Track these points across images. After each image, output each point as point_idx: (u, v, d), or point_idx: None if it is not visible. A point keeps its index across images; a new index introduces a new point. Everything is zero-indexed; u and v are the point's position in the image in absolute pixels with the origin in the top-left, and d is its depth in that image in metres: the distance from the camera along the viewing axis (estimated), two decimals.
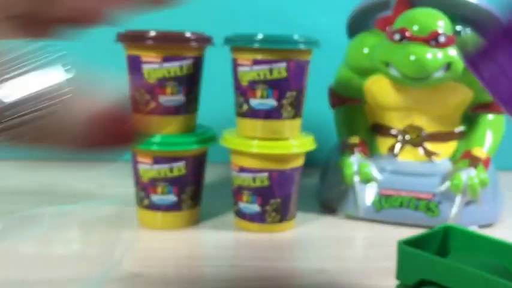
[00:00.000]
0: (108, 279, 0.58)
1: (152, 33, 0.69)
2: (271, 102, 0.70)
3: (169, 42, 0.70)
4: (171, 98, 0.70)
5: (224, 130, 0.76)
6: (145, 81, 0.70)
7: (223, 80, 0.79)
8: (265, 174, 0.72)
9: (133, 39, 0.70)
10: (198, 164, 0.73)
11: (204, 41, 0.72)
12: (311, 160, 0.81)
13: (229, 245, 0.70)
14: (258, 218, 0.73)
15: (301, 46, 0.70)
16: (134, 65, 0.70)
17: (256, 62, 0.69)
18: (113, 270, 0.60)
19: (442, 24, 0.73)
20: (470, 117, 0.83)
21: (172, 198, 0.72)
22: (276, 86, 0.70)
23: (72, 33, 0.34)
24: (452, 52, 0.73)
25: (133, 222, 0.75)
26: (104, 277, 0.57)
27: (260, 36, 0.69)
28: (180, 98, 0.71)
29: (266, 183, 0.72)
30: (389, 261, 0.64)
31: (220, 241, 0.71)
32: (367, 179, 0.79)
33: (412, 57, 0.72)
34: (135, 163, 0.73)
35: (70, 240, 0.69)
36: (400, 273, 0.50)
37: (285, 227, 0.75)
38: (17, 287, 0.57)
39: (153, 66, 0.69)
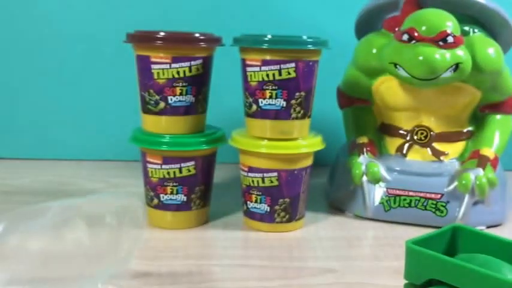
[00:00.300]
0: (118, 278, 0.58)
1: (161, 34, 0.69)
2: (280, 103, 0.71)
3: (179, 43, 0.70)
4: (180, 98, 0.71)
5: (233, 130, 0.76)
6: (155, 82, 0.70)
7: (233, 80, 0.79)
8: (274, 174, 0.72)
9: (143, 39, 0.71)
10: (207, 164, 0.74)
11: (213, 41, 0.73)
12: (320, 160, 0.81)
13: (238, 245, 0.71)
14: (267, 218, 0.74)
15: (310, 46, 0.70)
16: (144, 65, 0.71)
17: (265, 63, 0.70)
18: (122, 268, 0.60)
19: (450, 25, 0.73)
20: (478, 118, 0.83)
21: (181, 198, 0.73)
22: (285, 86, 0.70)
23: None
24: (461, 52, 0.73)
25: (143, 222, 0.75)
26: (112, 275, 0.57)
27: (269, 36, 0.69)
28: (189, 98, 0.71)
29: (275, 183, 0.72)
30: (397, 260, 0.65)
31: (229, 241, 0.72)
32: (375, 179, 0.79)
33: (421, 58, 0.72)
34: (145, 163, 0.73)
35: (79, 238, 0.70)
36: (408, 272, 0.50)
37: (294, 226, 0.75)
38: (26, 283, 0.57)
39: (163, 66, 0.70)
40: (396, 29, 0.77)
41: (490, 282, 0.44)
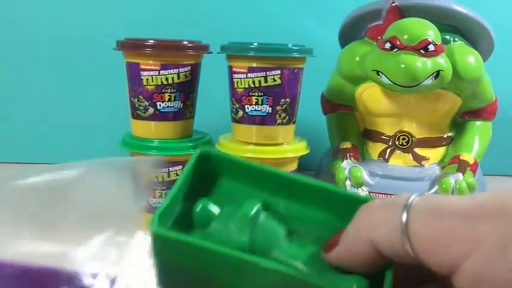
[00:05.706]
0: None
1: (151, 42, 0.71)
2: (266, 109, 0.72)
3: (168, 50, 0.72)
4: (168, 104, 0.72)
5: (220, 135, 0.78)
6: (144, 88, 0.72)
7: (220, 87, 0.81)
8: None
9: (133, 47, 0.72)
10: None
11: (200, 49, 0.74)
12: (304, 164, 0.83)
13: None
14: None
15: (295, 54, 0.72)
16: (133, 72, 0.72)
17: (251, 70, 0.71)
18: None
19: (431, 33, 0.74)
20: (459, 124, 0.84)
21: None
22: (271, 93, 0.72)
23: None
24: (441, 60, 0.74)
25: (132, 225, 0.77)
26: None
27: (255, 44, 0.71)
28: (177, 104, 0.73)
29: None
30: None
31: None
32: (358, 183, 0.80)
33: (402, 66, 0.73)
34: None
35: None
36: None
37: None
38: None
39: (152, 73, 0.71)
40: (379, 38, 0.78)
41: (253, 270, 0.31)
